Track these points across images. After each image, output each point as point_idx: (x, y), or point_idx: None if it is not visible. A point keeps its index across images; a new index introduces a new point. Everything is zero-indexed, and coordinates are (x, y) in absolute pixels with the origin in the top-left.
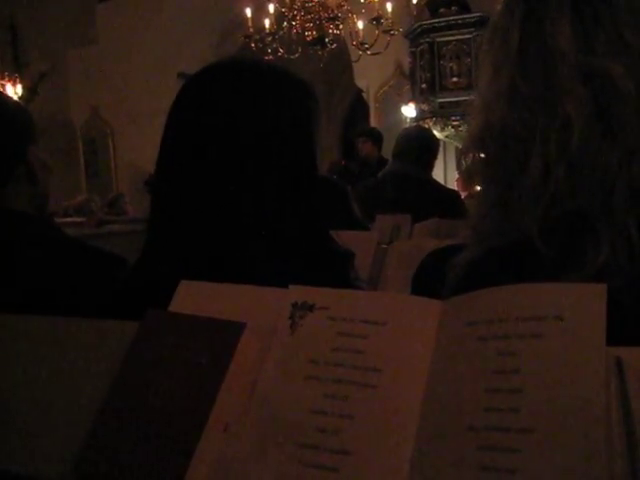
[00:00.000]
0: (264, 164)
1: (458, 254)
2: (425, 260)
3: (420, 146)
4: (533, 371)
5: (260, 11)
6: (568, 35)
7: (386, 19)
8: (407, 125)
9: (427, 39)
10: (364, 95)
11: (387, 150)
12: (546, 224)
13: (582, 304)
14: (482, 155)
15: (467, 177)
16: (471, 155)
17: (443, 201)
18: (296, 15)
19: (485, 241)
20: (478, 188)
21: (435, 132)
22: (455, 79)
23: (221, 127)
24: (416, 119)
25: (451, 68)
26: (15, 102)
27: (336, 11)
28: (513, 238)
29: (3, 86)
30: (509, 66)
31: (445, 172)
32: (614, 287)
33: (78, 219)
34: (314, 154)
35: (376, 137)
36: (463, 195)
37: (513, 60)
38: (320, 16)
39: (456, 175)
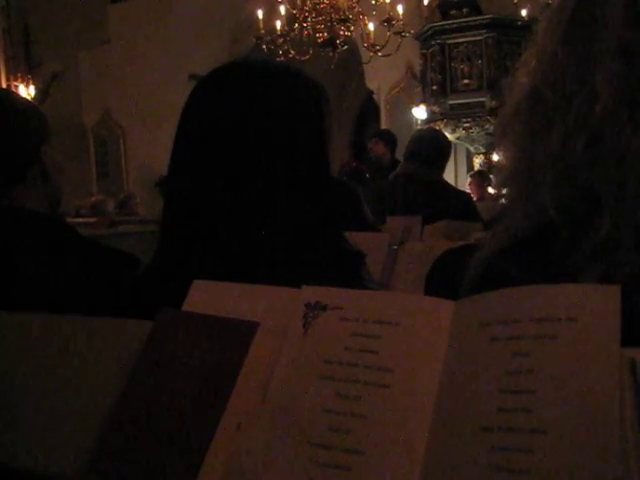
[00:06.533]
0: (277, 164)
1: (472, 254)
2: (439, 260)
3: (432, 148)
4: (546, 372)
5: (271, 13)
6: (618, 6)
7: (397, 21)
8: (418, 127)
9: (438, 41)
10: (375, 97)
11: (398, 152)
12: (560, 195)
13: (596, 305)
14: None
15: (499, 135)
16: (508, 118)
17: (454, 203)
18: (307, 17)
19: (499, 235)
20: (491, 191)
21: (446, 134)
22: (466, 81)
23: (233, 128)
24: (427, 121)
25: (462, 70)
26: (28, 102)
27: (347, 13)
28: (528, 227)
29: (16, 87)
30: (557, 32)
31: (456, 174)
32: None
33: (89, 219)
34: (327, 155)
35: (388, 138)
36: (475, 198)
37: (563, 27)
38: (331, 18)
39: (467, 178)
